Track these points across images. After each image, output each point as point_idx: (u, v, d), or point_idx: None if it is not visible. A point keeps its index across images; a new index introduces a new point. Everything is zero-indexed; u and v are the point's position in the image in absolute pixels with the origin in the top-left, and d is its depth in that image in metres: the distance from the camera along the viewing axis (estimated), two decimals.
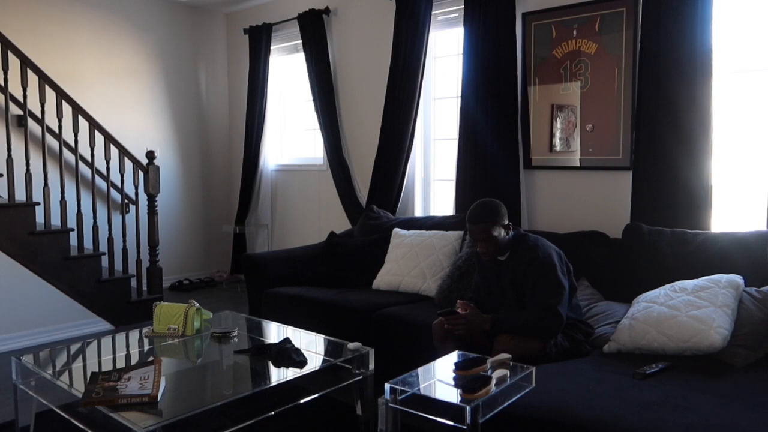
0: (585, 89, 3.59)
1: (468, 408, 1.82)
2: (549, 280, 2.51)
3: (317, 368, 2.44)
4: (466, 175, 4.00)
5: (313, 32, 5.00)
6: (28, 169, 4.19)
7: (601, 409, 1.92)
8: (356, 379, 2.50)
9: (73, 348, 2.73)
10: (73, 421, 2.10)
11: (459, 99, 4.06)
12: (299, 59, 5.29)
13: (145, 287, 4.83)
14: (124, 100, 5.45)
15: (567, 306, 2.53)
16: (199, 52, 6.00)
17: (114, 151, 4.65)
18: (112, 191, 5.04)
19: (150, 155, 4.73)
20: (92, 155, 4.51)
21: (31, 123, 4.45)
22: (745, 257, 2.70)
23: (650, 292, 2.63)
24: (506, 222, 2.63)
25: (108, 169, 4.84)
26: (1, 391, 3.22)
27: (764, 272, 2.63)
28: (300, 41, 5.18)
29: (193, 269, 6.06)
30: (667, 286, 2.61)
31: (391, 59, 4.42)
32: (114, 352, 2.80)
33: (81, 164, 4.69)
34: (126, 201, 4.90)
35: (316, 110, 5.05)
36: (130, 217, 4.92)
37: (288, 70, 5.65)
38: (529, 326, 2.47)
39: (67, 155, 4.58)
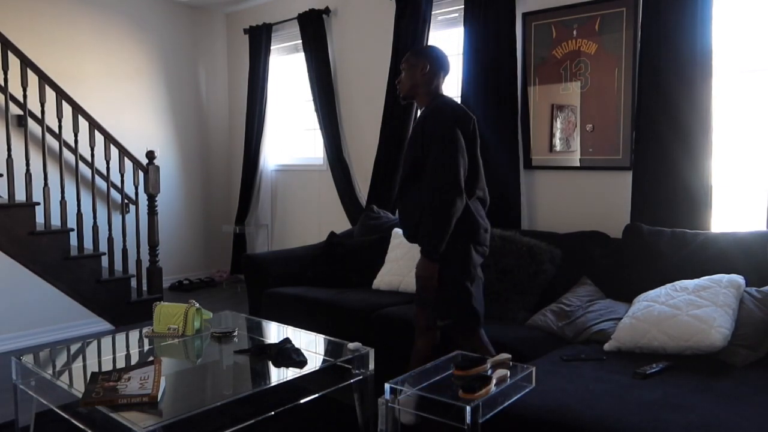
0: (585, 89, 3.59)
1: (468, 408, 1.81)
2: (434, 157, 2.35)
3: (317, 368, 2.44)
4: None
5: (313, 32, 5.00)
6: (28, 169, 4.19)
7: (601, 409, 1.92)
8: (356, 379, 2.50)
9: (73, 348, 2.73)
10: (73, 421, 2.10)
11: (459, 99, 4.06)
12: (299, 59, 5.29)
13: (145, 287, 4.83)
14: (124, 100, 5.45)
15: (456, 181, 2.33)
16: (199, 52, 6.00)
17: (114, 151, 4.65)
18: (112, 191, 5.04)
19: (150, 155, 4.73)
20: (92, 155, 4.52)
21: (31, 123, 4.45)
22: (745, 257, 2.70)
23: (651, 292, 2.63)
24: (427, 70, 2.51)
25: (108, 169, 4.84)
26: (1, 391, 3.22)
27: (764, 272, 2.63)
28: (300, 41, 5.18)
29: (193, 269, 6.06)
30: (668, 285, 2.61)
31: (391, 59, 4.42)
32: (114, 352, 2.80)
33: (81, 164, 4.69)
34: (126, 201, 4.90)
35: (316, 110, 5.06)
36: (130, 217, 4.92)
37: (288, 70, 5.64)
38: (429, 220, 2.31)
39: (67, 155, 4.59)
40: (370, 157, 4.64)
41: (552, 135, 3.75)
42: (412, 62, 2.57)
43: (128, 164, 4.72)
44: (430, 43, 2.65)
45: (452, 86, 4.34)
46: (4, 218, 4.01)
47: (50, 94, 4.28)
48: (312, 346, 2.72)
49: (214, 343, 2.73)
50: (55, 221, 4.41)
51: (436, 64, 2.55)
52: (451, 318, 2.47)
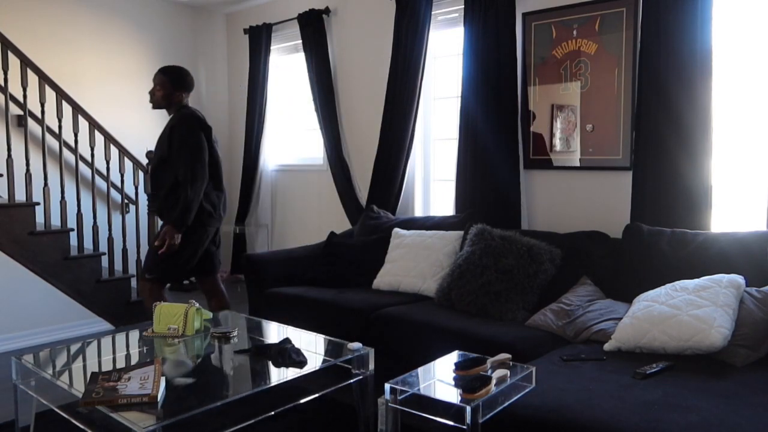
0: (585, 89, 3.59)
1: (468, 408, 1.82)
2: (185, 160, 3.18)
3: (317, 368, 2.44)
4: (466, 175, 4.00)
5: (313, 32, 5.00)
6: (28, 169, 4.19)
7: (600, 409, 1.92)
8: (356, 379, 2.50)
9: (73, 348, 2.73)
10: (73, 421, 2.10)
11: (459, 99, 4.06)
12: (299, 59, 5.29)
13: None
14: (124, 100, 5.45)
15: (203, 178, 3.22)
16: (199, 52, 6.00)
17: (114, 151, 4.65)
18: (112, 191, 5.05)
19: (150, 155, 4.73)
20: (92, 155, 4.52)
21: (31, 123, 4.45)
22: (745, 257, 2.70)
23: (651, 292, 2.63)
24: (179, 96, 3.33)
25: (108, 169, 4.85)
26: (1, 391, 3.22)
27: (764, 272, 2.63)
28: (300, 41, 5.18)
29: None
30: (668, 285, 2.61)
31: (391, 59, 4.42)
32: (114, 352, 2.80)
33: (81, 164, 4.70)
34: (126, 201, 4.90)
35: (316, 110, 5.06)
36: (130, 217, 4.92)
37: (288, 70, 5.64)
38: (184, 205, 3.19)
39: (67, 155, 4.59)
40: (370, 157, 4.64)
41: (552, 135, 3.75)
42: (167, 90, 3.33)
43: (128, 164, 4.72)
44: (177, 65, 3.47)
45: (452, 86, 4.35)
46: (4, 218, 4.01)
47: (50, 94, 4.28)
48: (312, 346, 2.72)
49: (214, 343, 2.73)
50: (55, 221, 4.41)
51: (184, 88, 3.38)
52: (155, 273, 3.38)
